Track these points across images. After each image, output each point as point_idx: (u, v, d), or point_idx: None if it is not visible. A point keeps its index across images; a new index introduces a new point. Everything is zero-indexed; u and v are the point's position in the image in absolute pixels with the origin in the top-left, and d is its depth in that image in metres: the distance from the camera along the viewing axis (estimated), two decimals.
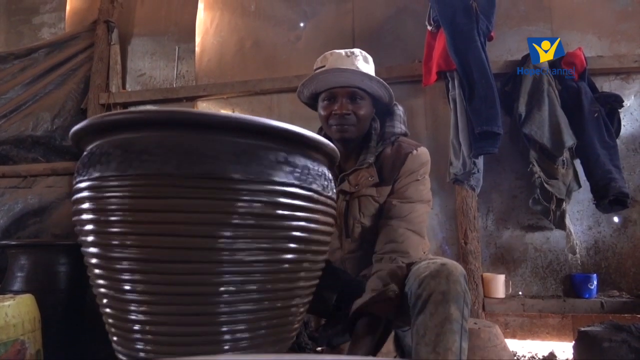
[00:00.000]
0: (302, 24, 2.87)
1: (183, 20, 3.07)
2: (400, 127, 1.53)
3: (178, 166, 0.74)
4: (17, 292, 1.72)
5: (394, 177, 1.44)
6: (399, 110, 1.57)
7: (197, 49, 3.02)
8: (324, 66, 1.48)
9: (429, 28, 2.40)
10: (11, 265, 1.87)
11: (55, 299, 1.84)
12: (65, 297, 1.87)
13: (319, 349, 1.45)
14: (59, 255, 1.91)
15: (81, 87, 3.06)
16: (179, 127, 0.76)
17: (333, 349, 1.39)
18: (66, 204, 2.93)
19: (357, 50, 1.51)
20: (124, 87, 3.10)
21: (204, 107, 2.96)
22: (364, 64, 1.50)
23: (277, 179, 0.79)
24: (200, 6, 3.05)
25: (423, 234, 1.42)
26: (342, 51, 1.50)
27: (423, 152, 1.48)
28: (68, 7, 3.36)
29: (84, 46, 3.11)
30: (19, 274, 1.84)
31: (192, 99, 2.93)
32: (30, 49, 3.14)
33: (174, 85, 3.01)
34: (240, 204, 0.75)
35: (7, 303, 1.25)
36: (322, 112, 1.50)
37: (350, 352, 1.19)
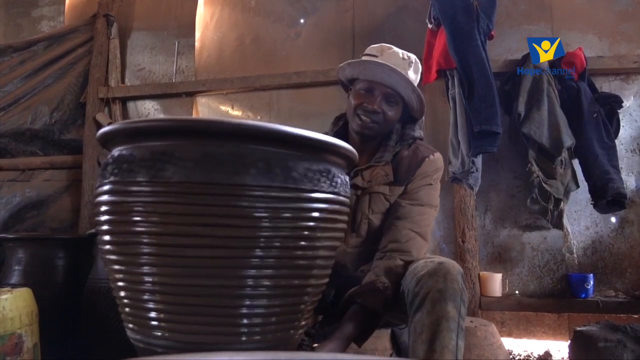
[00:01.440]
0: (302, 21, 2.87)
1: (183, 15, 3.06)
2: (419, 132, 1.56)
3: (205, 174, 0.79)
4: (14, 286, 1.72)
5: (408, 179, 1.45)
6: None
7: (197, 44, 3.01)
8: (376, 56, 1.47)
9: (430, 26, 2.40)
10: (9, 258, 1.87)
11: (53, 293, 1.84)
12: (63, 290, 1.87)
13: (316, 345, 1.45)
14: (57, 249, 1.91)
15: (80, 80, 3.05)
16: (213, 136, 0.81)
17: (332, 335, 1.40)
18: (64, 197, 2.93)
19: (413, 57, 1.51)
20: (123, 81, 3.10)
21: (204, 102, 2.95)
22: (414, 73, 1.50)
23: (300, 185, 0.83)
24: (200, 1, 3.04)
25: (427, 238, 1.43)
26: (400, 51, 1.49)
27: (439, 157, 1.51)
28: (67, 1, 3.35)
29: (83, 40, 3.10)
30: (16, 268, 1.84)
31: (192, 94, 2.92)
32: (29, 41, 3.12)
33: (173, 81, 3.00)
34: (255, 209, 0.80)
35: (4, 296, 1.25)
36: (353, 100, 1.49)
37: (333, 336, 1.20)
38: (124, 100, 3.04)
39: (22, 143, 3.02)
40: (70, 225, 2.87)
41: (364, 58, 1.48)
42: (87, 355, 1.79)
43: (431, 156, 1.47)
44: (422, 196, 1.43)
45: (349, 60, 1.51)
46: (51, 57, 3.06)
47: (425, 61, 2.41)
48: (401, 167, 1.46)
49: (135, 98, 3.04)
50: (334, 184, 0.91)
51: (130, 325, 0.89)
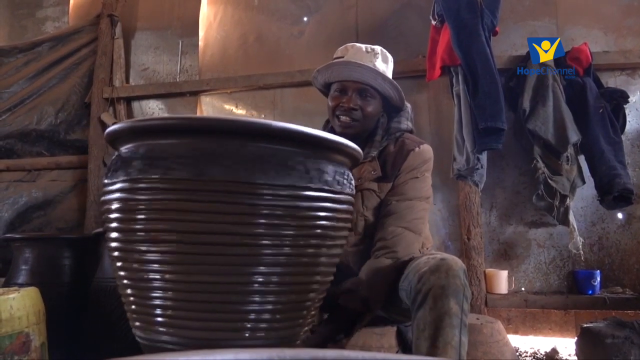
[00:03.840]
0: (305, 19, 2.86)
1: (186, 14, 3.07)
2: (406, 123, 1.54)
3: (211, 171, 0.80)
4: (21, 285, 1.73)
5: (395, 174, 1.44)
6: (408, 107, 1.58)
7: (201, 43, 3.02)
8: (342, 57, 1.48)
9: (433, 23, 2.39)
10: (16, 258, 1.88)
11: (60, 292, 1.85)
12: (69, 290, 1.88)
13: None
14: (63, 249, 1.92)
15: (85, 81, 3.06)
16: (216, 134, 0.82)
17: (334, 343, 1.40)
18: (70, 197, 2.94)
19: (377, 48, 1.51)
20: (127, 81, 3.11)
21: (207, 101, 2.96)
22: (382, 63, 1.49)
23: (300, 183, 0.84)
24: (204, 0, 3.05)
25: (419, 231, 1.42)
26: (363, 46, 1.50)
27: (425, 149, 1.48)
28: (72, 1, 3.36)
29: (87, 40, 3.11)
30: (23, 267, 1.85)
31: (196, 94, 2.92)
32: (34, 42, 3.14)
33: (177, 80, 3.01)
34: (260, 206, 0.81)
35: (12, 296, 1.26)
36: (330, 102, 1.50)
37: (312, 337, 1.26)
38: (128, 100, 3.05)
39: (28, 143, 3.04)
40: (76, 225, 2.89)
41: (331, 62, 1.49)
42: (94, 354, 1.80)
43: (417, 149, 1.46)
44: (408, 190, 1.42)
45: (318, 68, 1.51)
46: (56, 57, 3.07)
47: (429, 58, 2.40)
48: (388, 162, 1.46)
49: (139, 98, 3.05)
50: (341, 182, 0.92)
51: (137, 324, 0.90)
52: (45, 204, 2.91)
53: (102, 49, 3.04)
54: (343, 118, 1.45)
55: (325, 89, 1.58)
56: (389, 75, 1.51)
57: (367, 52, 1.48)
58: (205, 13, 3.05)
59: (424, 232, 1.47)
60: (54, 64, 3.07)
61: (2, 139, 3.03)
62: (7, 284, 1.82)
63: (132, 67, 3.15)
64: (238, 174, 0.79)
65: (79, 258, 1.94)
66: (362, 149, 1.49)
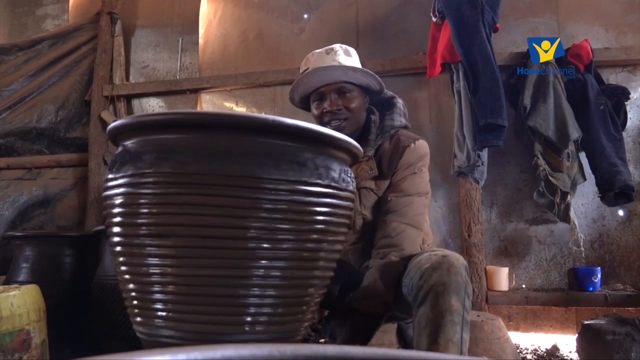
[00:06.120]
0: (305, 16, 2.86)
1: (186, 11, 3.06)
2: (400, 120, 1.53)
3: (213, 166, 0.81)
4: (22, 283, 1.73)
5: (392, 171, 1.44)
6: (399, 102, 1.58)
7: (201, 40, 3.01)
8: (307, 68, 1.49)
9: (434, 19, 2.39)
10: (17, 256, 1.88)
11: (60, 290, 1.85)
12: (70, 287, 1.88)
13: (322, 340, 1.46)
14: (64, 247, 1.92)
15: (85, 79, 3.06)
16: (219, 129, 0.83)
17: (335, 341, 1.40)
18: (70, 195, 2.95)
19: (336, 46, 1.52)
20: (127, 79, 3.10)
21: (208, 99, 2.95)
22: (346, 57, 1.50)
23: (302, 178, 0.84)
24: None
25: (420, 227, 1.43)
26: (322, 50, 1.51)
27: (421, 144, 1.48)
28: None
29: (87, 38, 3.11)
30: (24, 265, 1.85)
31: (196, 91, 2.92)
32: (34, 40, 3.14)
33: (177, 77, 3.00)
34: (266, 201, 0.82)
35: (12, 293, 1.25)
36: (315, 112, 1.51)
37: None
38: (128, 98, 3.05)
39: (28, 142, 3.04)
40: (77, 223, 2.89)
41: (299, 77, 1.50)
42: (94, 351, 1.80)
43: (412, 145, 1.46)
44: (407, 186, 1.42)
45: (290, 89, 1.53)
46: (56, 55, 3.07)
47: (430, 55, 2.40)
48: (383, 160, 1.46)
49: (139, 95, 3.05)
50: (345, 179, 0.93)
51: (138, 319, 0.90)
52: (46, 202, 2.92)
53: (102, 46, 3.04)
54: (333, 123, 1.45)
55: (305, 105, 1.59)
56: (357, 66, 1.51)
57: (327, 53, 1.49)
58: (205, 10, 3.05)
59: (424, 227, 1.47)
60: (54, 61, 3.07)
61: (2, 137, 3.03)
62: (7, 282, 1.82)
63: (132, 64, 3.14)
64: (250, 169, 0.81)
65: (79, 256, 1.94)
66: None
